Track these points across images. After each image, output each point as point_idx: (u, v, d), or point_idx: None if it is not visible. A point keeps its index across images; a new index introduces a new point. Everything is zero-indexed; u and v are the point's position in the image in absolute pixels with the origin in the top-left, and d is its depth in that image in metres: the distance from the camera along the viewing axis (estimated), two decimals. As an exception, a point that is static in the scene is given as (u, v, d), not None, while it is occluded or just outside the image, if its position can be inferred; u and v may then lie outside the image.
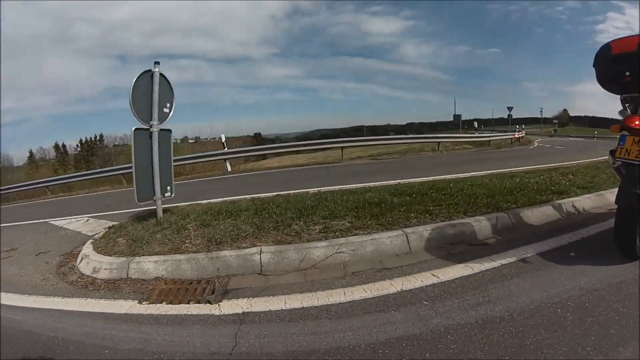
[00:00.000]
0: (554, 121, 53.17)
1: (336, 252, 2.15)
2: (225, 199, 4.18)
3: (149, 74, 3.00)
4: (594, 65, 2.20)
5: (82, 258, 2.88)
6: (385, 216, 2.65)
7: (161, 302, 2.04)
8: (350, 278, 1.94)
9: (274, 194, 3.90)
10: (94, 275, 2.60)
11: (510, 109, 26.04)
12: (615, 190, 3.40)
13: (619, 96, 2.19)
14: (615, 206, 3.07)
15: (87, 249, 2.98)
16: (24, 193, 12.95)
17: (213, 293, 2.05)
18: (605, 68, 2.14)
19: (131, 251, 2.66)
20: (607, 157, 2.25)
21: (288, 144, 11.66)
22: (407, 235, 2.34)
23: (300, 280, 1.99)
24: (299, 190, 4.05)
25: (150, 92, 3.00)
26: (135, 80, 2.90)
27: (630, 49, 1.96)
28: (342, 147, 11.80)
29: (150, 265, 2.42)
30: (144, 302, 2.07)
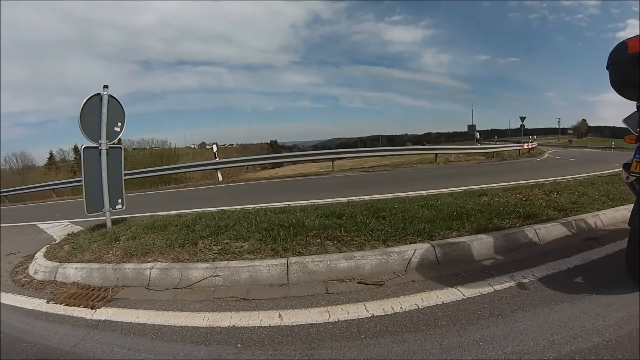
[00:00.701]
0: (569, 131, 52.35)
1: (212, 275, 2.41)
2: (179, 211, 4.60)
3: (98, 96, 3.52)
4: (607, 67, 2.01)
5: (33, 260, 3.37)
6: (286, 241, 2.80)
7: (62, 303, 2.44)
8: (207, 303, 2.17)
9: (220, 208, 4.23)
10: (34, 275, 3.09)
11: (522, 119, 25.74)
12: (602, 213, 3.29)
13: (636, 102, 1.98)
14: (594, 236, 2.87)
15: (40, 252, 3.49)
16: (35, 194, 14.65)
17: (103, 300, 2.39)
18: (621, 70, 1.94)
19: (66, 258, 3.14)
20: (616, 170, 2.10)
21: (275, 155, 12.58)
22: (288, 266, 2.45)
23: (168, 298, 2.27)
24: (242, 206, 4.34)
25: (99, 113, 3.49)
26: (85, 103, 3.44)
27: None
28: (333, 159, 12.39)
29: (71, 271, 2.85)
30: (50, 302, 2.48)
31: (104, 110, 3.59)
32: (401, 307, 1.89)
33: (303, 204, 4.28)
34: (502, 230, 2.82)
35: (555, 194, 4.05)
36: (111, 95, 3.67)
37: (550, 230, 2.89)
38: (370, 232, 2.87)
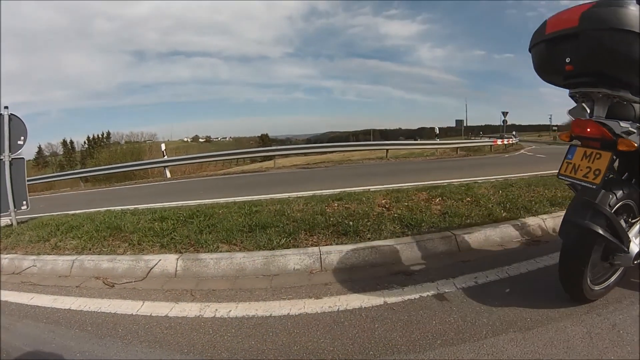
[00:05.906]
0: (554, 128, 58.60)
1: (33, 265, 3.62)
2: (90, 210, 5.97)
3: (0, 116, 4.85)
4: (529, 50, 2.00)
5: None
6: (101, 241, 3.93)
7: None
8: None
9: (105, 209, 5.51)
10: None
11: (504, 114, 28.95)
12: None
13: (568, 91, 2.01)
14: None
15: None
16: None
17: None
18: (540, 53, 1.90)
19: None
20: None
21: (227, 152, 13.28)
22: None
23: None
24: (133, 206, 5.54)
25: (1, 130, 4.85)
26: (-12, 121, 4.78)
27: (570, 25, 1.68)
28: (274, 156, 13.66)
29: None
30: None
31: (6, 128, 4.94)
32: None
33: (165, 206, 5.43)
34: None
35: (439, 199, 4.22)
36: (12, 114, 5.01)
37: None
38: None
